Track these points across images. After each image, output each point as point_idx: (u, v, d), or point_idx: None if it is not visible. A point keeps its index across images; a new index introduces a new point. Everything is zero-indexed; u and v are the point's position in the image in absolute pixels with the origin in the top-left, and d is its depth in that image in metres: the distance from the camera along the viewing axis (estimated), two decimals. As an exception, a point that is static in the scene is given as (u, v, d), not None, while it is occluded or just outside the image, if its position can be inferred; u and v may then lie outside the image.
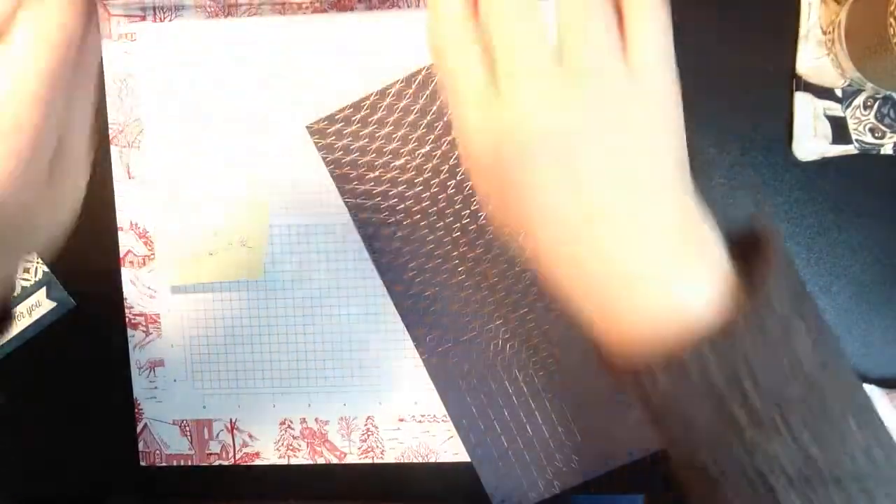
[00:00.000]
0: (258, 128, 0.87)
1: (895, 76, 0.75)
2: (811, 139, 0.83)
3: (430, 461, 0.91)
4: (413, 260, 0.87)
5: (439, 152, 0.85)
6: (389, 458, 0.92)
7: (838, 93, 0.82)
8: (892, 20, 0.69)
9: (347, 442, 0.92)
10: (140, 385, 0.92)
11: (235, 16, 0.86)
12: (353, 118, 0.85)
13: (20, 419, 0.92)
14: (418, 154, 0.85)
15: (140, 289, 0.91)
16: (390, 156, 0.86)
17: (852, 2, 0.78)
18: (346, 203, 0.87)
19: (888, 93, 0.81)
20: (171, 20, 0.87)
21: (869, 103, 0.82)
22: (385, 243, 0.87)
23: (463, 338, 0.87)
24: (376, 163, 0.86)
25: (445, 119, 0.85)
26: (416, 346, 0.88)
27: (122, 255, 0.90)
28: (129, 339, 0.91)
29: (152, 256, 0.90)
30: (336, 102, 0.86)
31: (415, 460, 0.91)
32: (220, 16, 0.87)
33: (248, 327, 0.90)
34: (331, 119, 0.86)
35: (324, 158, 0.86)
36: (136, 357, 0.92)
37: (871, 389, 0.83)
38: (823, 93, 0.82)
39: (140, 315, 0.91)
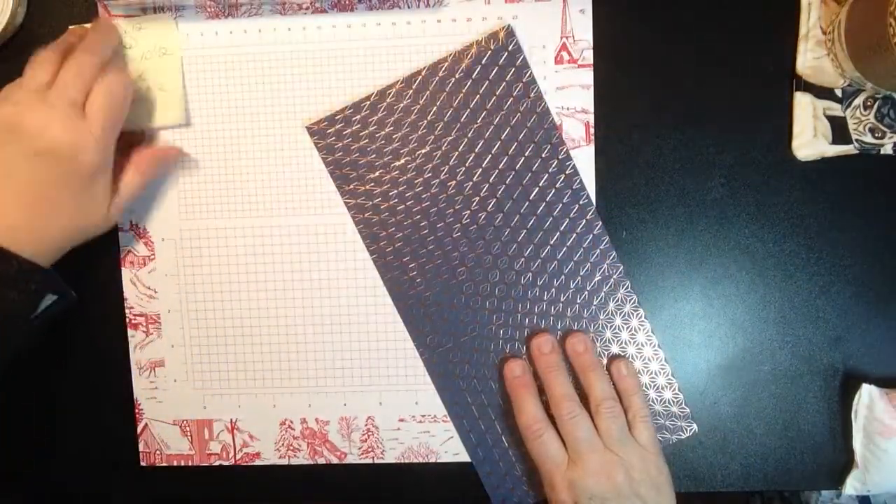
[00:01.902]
0: (258, 127, 0.88)
1: (895, 76, 0.75)
2: (811, 139, 0.82)
3: (431, 461, 0.91)
4: (413, 260, 0.87)
5: (439, 153, 0.85)
6: (390, 458, 0.92)
7: (838, 93, 0.82)
8: (892, 20, 0.69)
9: (348, 442, 0.92)
10: (140, 385, 0.92)
11: (236, 16, 0.86)
12: (353, 119, 0.85)
13: (18, 419, 0.92)
14: (418, 154, 0.85)
15: (140, 289, 0.91)
16: (390, 156, 0.86)
17: (852, 2, 0.78)
18: (345, 203, 0.87)
19: (888, 93, 0.81)
20: (171, 20, 0.87)
21: (869, 103, 0.82)
22: (385, 243, 0.87)
23: (463, 338, 0.87)
24: (376, 163, 0.86)
25: (446, 119, 0.85)
26: (416, 346, 0.88)
27: (122, 255, 0.90)
28: (130, 339, 0.92)
29: (152, 256, 0.90)
30: (336, 102, 0.86)
31: (415, 460, 0.91)
32: (221, 16, 0.87)
33: (249, 327, 0.91)
34: (331, 120, 0.86)
35: (324, 159, 0.86)
36: (137, 357, 0.92)
37: (870, 389, 0.83)
38: (823, 93, 0.82)
39: (140, 315, 0.91)
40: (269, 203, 0.88)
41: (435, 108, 0.85)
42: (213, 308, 0.91)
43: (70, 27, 0.85)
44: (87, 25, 0.86)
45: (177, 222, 0.90)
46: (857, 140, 0.82)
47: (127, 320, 0.91)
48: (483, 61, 0.84)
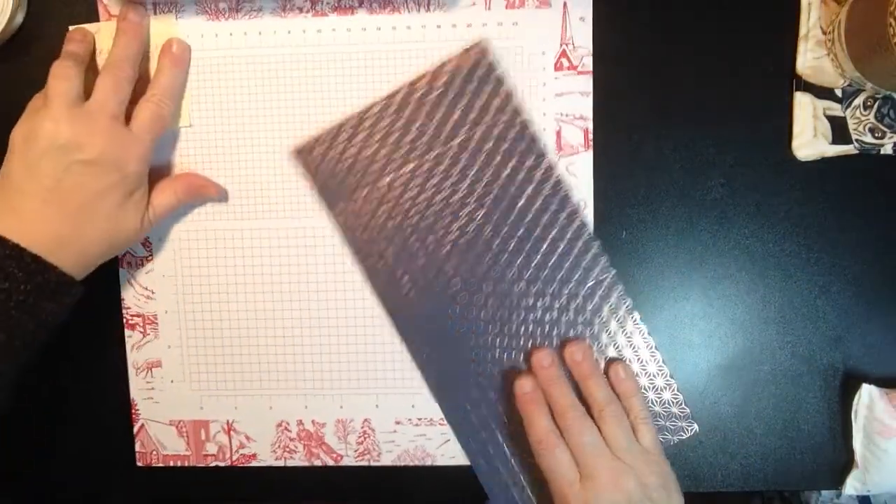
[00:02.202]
0: (257, 129, 0.88)
1: (895, 76, 0.76)
2: (811, 139, 0.83)
3: (426, 464, 0.91)
4: (405, 276, 0.87)
5: (424, 169, 0.85)
6: (386, 460, 0.91)
7: (838, 93, 0.82)
8: (892, 20, 0.69)
9: (344, 444, 0.91)
10: (137, 386, 0.92)
11: (236, 19, 0.86)
12: (336, 140, 0.85)
13: (16, 419, 0.91)
14: (403, 172, 0.85)
15: (138, 290, 0.90)
16: (375, 175, 0.85)
17: (852, 2, 0.79)
18: (336, 224, 0.87)
19: (888, 93, 0.81)
20: (172, 21, 0.87)
21: (869, 103, 0.82)
22: (376, 260, 0.87)
23: (460, 350, 0.87)
24: (362, 183, 0.85)
25: (427, 136, 0.85)
26: (413, 360, 0.88)
27: (120, 255, 0.90)
28: (127, 339, 0.91)
29: (150, 257, 0.90)
30: (335, 105, 0.86)
31: (411, 463, 0.91)
32: (222, 18, 0.86)
33: (246, 329, 0.90)
34: (315, 142, 0.86)
35: (310, 182, 0.86)
36: (134, 358, 0.91)
37: (870, 389, 0.84)
38: (823, 93, 0.82)
39: (138, 316, 0.91)
40: (267, 205, 0.88)
41: (416, 126, 0.85)
42: (211, 309, 0.91)
43: (71, 28, 0.85)
44: (87, 26, 0.86)
45: (175, 224, 0.89)
46: (857, 140, 0.82)
47: (124, 321, 0.91)
48: (460, 77, 0.84)
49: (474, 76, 0.85)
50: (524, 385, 0.84)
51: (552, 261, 0.86)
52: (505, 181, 0.85)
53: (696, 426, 0.87)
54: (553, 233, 0.85)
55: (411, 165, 0.85)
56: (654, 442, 0.82)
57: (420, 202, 0.86)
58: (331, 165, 0.86)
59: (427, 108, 0.85)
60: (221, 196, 0.88)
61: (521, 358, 0.87)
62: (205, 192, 0.88)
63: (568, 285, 0.86)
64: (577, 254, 0.86)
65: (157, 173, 0.87)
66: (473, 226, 0.86)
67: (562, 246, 0.85)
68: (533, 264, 0.86)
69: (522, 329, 0.87)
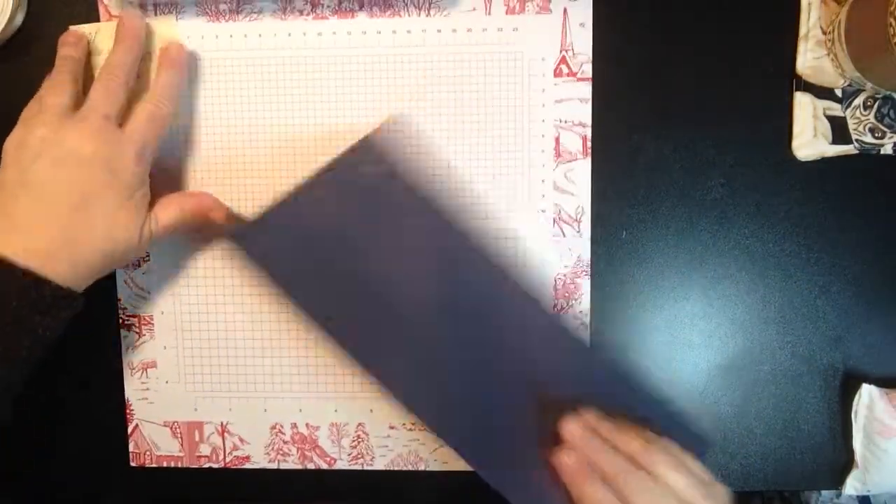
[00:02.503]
0: (255, 132, 0.88)
1: (895, 76, 0.76)
2: (811, 139, 0.83)
3: (420, 469, 0.91)
4: (374, 342, 0.82)
5: (363, 245, 0.82)
6: (379, 465, 0.91)
7: (838, 93, 0.83)
8: (892, 20, 0.70)
9: (337, 448, 0.91)
10: (132, 386, 0.92)
11: (236, 20, 0.86)
12: (275, 221, 0.81)
13: (14, 419, 0.90)
14: (348, 248, 0.82)
15: (134, 290, 0.90)
16: (322, 253, 0.82)
17: (852, 2, 0.79)
18: (293, 307, 0.82)
19: (888, 93, 0.81)
20: (173, 22, 0.87)
21: (869, 103, 0.82)
22: (346, 335, 0.83)
23: (457, 398, 0.84)
24: (309, 264, 0.82)
25: (359, 209, 0.82)
26: (425, 424, 0.83)
27: (117, 255, 0.89)
28: (122, 340, 0.91)
29: (147, 258, 0.90)
30: (334, 109, 0.87)
31: (404, 468, 0.91)
32: (222, 20, 0.86)
33: (242, 331, 0.90)
34: (252, 227, 0.81)
35: (257, 271, 0.81)
36: (129, 358, 0.91)
37: (870, 389, 0.84)
38: (823, 93, 0.83)
39: (133, 316, 0.91)
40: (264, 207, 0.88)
41: (351, 199, 0.82)
42: (207, 311, 0.90)
43: (70, 27, 0.84)
44: (87, 26, 0.85)
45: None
46: (857, 140, 0.83)
47: (120, 321, 0.91)
48: (384, 144, 0.82)
49: (397, 141, 0.85)
50: (566, 458, 0.79)
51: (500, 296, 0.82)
52: (452, 241, 0.82)
53: (702, 422, 0.86)
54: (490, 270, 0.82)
55: (354, 241, 0.82)
56: (698, 466, 0.77)
57: (372, 276, 0.82)
58: (273, 251, 0.81)
59: (360, 178, 0.82)
60: (229, 223, 0.87)
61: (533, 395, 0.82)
62: (213, 216, 0.86)
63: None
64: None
65: (154, 175, 0.86)
66: (423, 290, 0.82)
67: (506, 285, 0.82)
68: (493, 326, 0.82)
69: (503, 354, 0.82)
